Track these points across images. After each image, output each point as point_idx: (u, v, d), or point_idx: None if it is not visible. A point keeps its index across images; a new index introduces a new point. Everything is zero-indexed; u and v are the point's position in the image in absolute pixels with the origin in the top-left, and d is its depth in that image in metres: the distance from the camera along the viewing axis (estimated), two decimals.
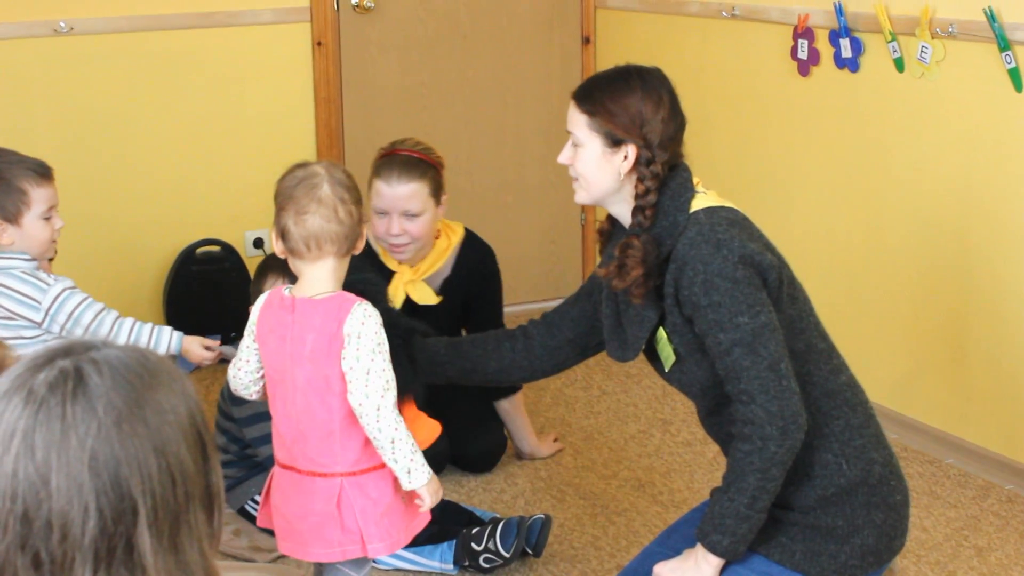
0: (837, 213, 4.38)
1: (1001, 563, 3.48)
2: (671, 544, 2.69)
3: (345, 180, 2.60)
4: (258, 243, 5.04)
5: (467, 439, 3.97)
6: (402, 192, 3.72)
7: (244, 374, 2.70)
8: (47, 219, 3.19)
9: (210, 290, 4.88)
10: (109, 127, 4.77)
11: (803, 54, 4.37)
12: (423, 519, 2.70)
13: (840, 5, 4.16)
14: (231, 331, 4.94)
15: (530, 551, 3.44)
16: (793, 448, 2.40)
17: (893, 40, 4.01)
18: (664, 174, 2.53)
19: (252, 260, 4.98)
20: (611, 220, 2.69)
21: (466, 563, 3.42)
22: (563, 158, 2.62)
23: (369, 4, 5.06)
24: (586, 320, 2.83)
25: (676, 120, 2.60)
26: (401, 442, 2.54)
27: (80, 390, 1.25)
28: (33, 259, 3.19)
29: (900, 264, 4.16)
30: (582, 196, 2.62)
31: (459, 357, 2.95)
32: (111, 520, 1.22)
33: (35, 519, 1.21)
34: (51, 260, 3.47)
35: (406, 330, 2.81)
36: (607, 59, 5.42)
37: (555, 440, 4.18)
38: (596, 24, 5.44)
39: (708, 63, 4.85)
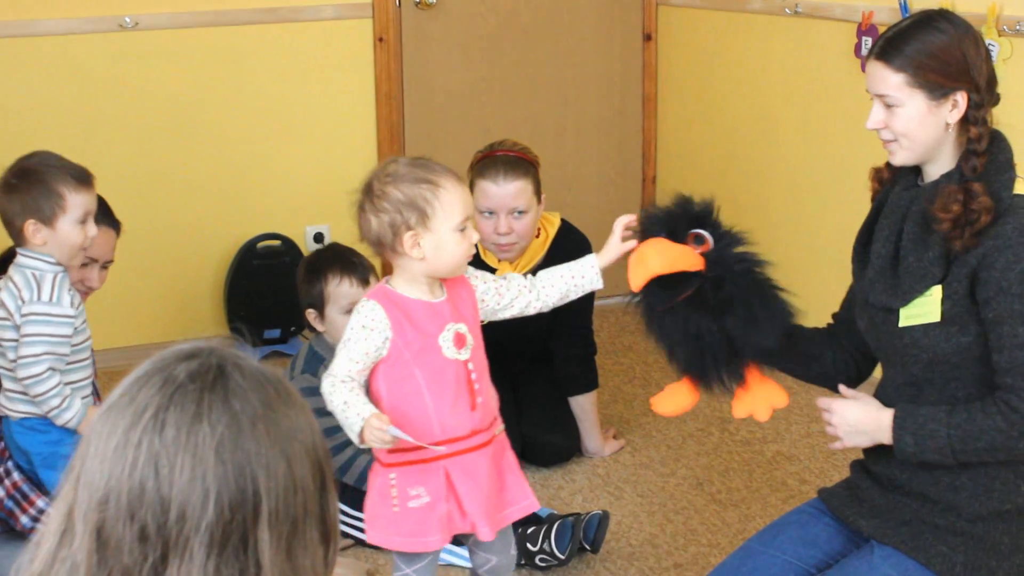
0: None
1: None
2: (778, 545, 2.63)
3: (373, 187, 2.61)
4: (318, 237, 5.07)
5: (541, 431, 4.00)
6: (510, 190, 3.76)
7: None
8: (82, 223, 3.19)
9: (270, 284, 4.91)
10: (172, 122, 4.81)
11: (867, 52, 4.33)
12: (439, 535, 2.67)
13: (905, 2, 4.12)
14: (290, 325, 4.97)
15: (588, 547, 3.44)
16: None
17: None
18: (991, 119, 2.43)
19: None
20: (891, 168, 2.58)
21: (522, 562, 3.42)
22: (873, 123, 2.48)
23: (431, 0, 5.07)
24: None
25: (990, 57, 2.46)
26: (339, 410, 2.57)
27: (220, 384, 1.28)
28: (58, 263, 3.20)
29: None
30: (904, 156, 2.47)
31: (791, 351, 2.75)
32: (229, 510, 1.24)
33: (148, 492, 1.24)
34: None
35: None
36: (669, 56, 5.40)
37: (614, 436, 4.19)
38: (658, 21, 5.42)
39: (771, 60, 4.82)
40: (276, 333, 4.96)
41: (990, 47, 3.85)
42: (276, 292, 4.89)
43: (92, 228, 3.22)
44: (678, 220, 2.59)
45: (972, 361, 2.43)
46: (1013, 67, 3.84)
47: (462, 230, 2.60)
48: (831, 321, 2.80)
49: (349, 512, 3.55)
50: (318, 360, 3.58)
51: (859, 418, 2.52)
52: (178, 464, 1.24)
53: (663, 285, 2.56)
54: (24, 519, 3.27)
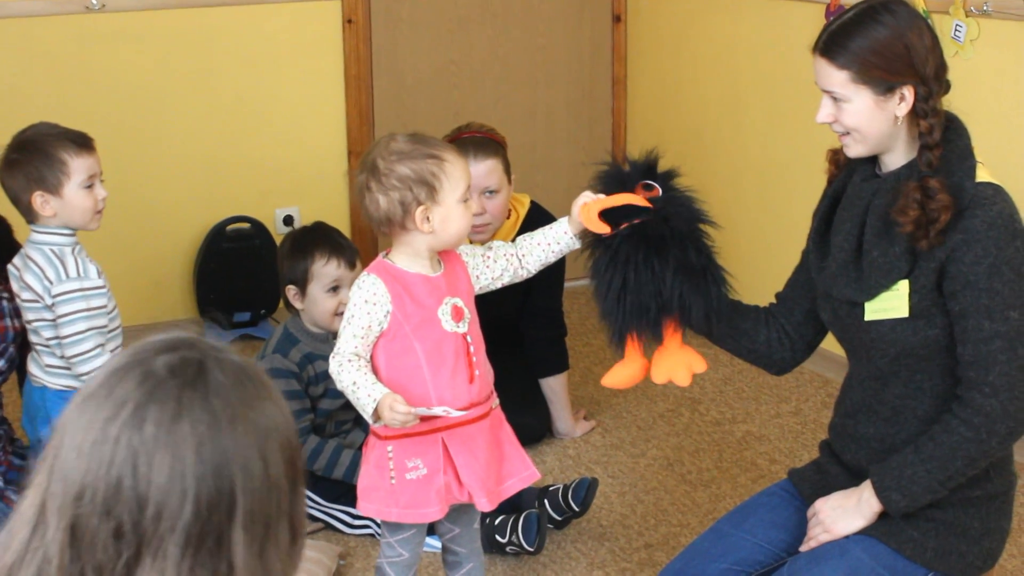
0: None
1: None
2: (748, 528, 2.63)
3: (379, 166, 2.62)
4: (288, 220, 5.05)
5: (512, 412, 4.01)
6: (481, 170, 3.75)
7: None
8: (89, 187, 3.20)
9: (240, 267, 4.89)
10: (140, 104, 4.79)
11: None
12: (437, 507, 2.69)
13: None
14: (261, 308, 4.96)
15: (576, 508, 3.50)
16: (1007, 449, 2.41)
17: (927, 18, 3.98)
18: (942, 108, 2.40)
19: (282, 237, 4.99)
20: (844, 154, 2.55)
21: (492, 551, 3.42)
22: (823, 117, 2.48)
23: None
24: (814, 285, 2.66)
25: (938, 44, 2.42)
26: (348, 390, 2.58)
27: (200, 380, 1.26)
28: (73, 234, 3.20)
29: None
30: (858, 149, 2.46)
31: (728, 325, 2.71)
32: (206, 510, 1.23)
33: (125, 489, 1.22)
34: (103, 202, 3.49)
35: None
36: (638, 38, 5.40)
37: (585, 418, 4.20)
38: (627, 2, 5.42)
39: (740, 42, 4.83)
40: (246, 316, 4.95)
41: (957, 28, 3.87)
42: (246, 275, 4.88)
43: (100, 190, 3.23)
44: (630, 174, 2.63)
45: (939, 353, 2.43)
46: (980, 48, 3.85)
47: (465, 200, 2.64)
48: (773, 300, 2.78)
49: (319, 501, 3.54)
50: (292, 342, 3.56)
51: (838, 501, 2.51)
52: (156, 462, 1.22)
53: (612, 222, 2.58)
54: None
